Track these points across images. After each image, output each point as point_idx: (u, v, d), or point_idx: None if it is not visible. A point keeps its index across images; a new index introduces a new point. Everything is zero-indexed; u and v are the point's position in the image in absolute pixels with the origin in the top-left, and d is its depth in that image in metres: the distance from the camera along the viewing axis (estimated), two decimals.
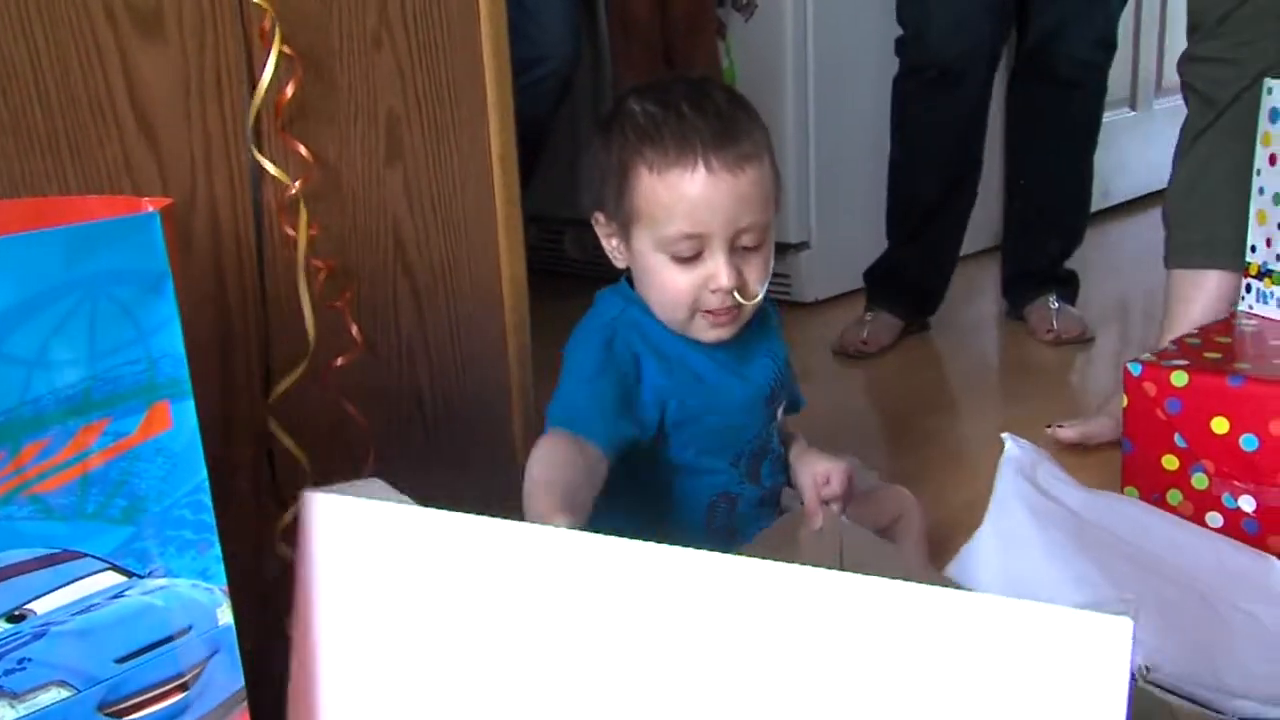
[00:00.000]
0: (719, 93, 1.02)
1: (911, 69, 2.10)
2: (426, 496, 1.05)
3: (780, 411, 1.15)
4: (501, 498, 1.11)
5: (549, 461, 0.92)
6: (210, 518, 0.63)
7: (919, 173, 2.16)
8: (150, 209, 0.65)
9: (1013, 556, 0.97)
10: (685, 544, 1.00)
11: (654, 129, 0.99)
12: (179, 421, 0.60)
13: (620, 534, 1.02)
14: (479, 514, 1.06)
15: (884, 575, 0.97)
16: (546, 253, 2.85)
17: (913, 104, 2.12)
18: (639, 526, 1.02)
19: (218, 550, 0.63)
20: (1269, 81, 1.40)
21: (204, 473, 0.62)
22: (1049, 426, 1.70)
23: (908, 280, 2.22)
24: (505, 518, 1.11)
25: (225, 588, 0.64)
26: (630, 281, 1.08)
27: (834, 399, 2.01)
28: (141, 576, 0.60)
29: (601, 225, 1.06)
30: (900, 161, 2.18)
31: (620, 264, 1.07)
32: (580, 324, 1.08)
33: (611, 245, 1.06)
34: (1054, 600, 0.93)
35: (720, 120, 0.99)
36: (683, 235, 0.98)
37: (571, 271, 2.80)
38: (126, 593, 0.60)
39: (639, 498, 1.05)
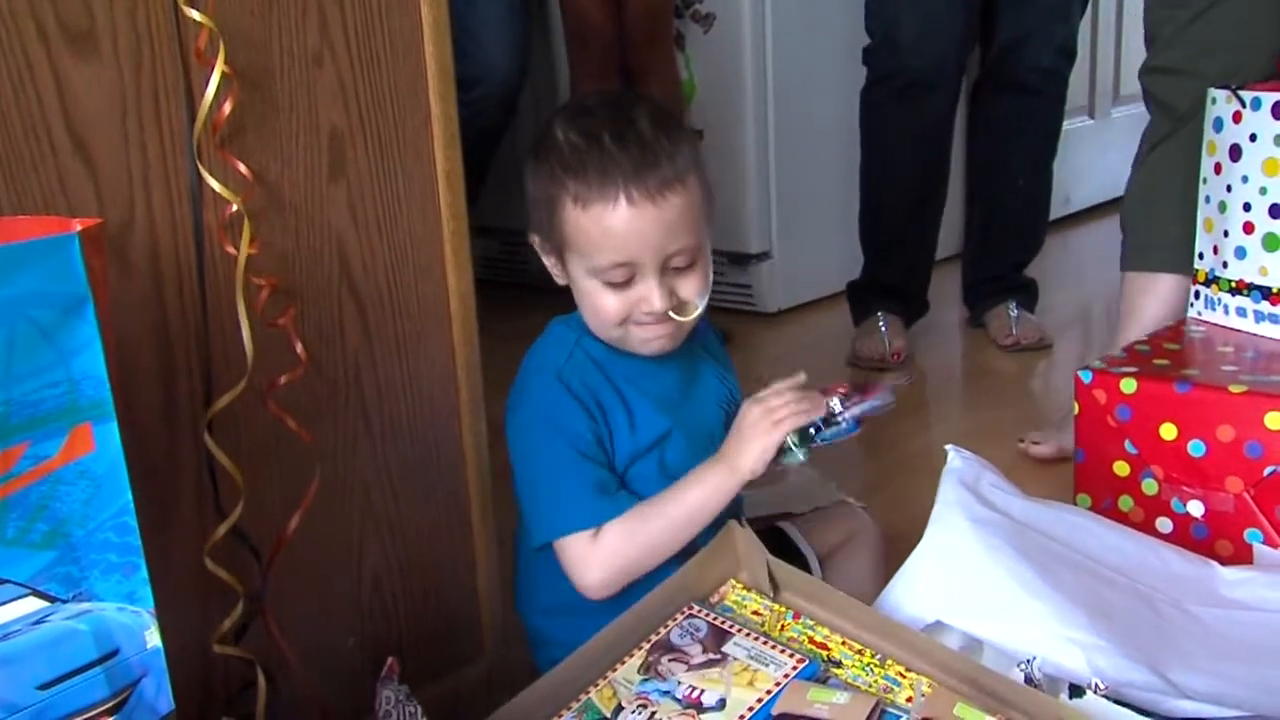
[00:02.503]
0: (642, 116, 1.02)
1: (880, 78, 2.11)
2: (376, 509, 1.05)
3: None
4: (448, 514, 1.11)
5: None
6: (136, 540, 0.62)
7: (893, 182, 2.17)
8: (79, 229, 0.64)
9: (954, 569, 0.97)
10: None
11: (577, 162, 1.00)
12: (102, 444, 0.60)
13: None
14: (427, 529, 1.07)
15: (818, 611, 0.97)
16: (509, 265, 2.85)
17: (883, 114, 2.13)
18: None
19: (144, 573, 0.63)
20: (1213, 91, 1.42)
21: (129, 495, 0.62)
22: (1021, 441, 1.70)
23: (893, 288, 2.23)
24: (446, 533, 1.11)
25: (153, 610, 0.63)
26: None
27: None
28: (65, 601, 0.60)
29: (539, 245, 1.08)
30: (873, 172, 2.19)
31: (561, 281, 1.09)
32: (529, 366, 1.09)
33: (549, 264, 1.08)
34: (994, 613, 0.94)
35: (641, 149, 0.99)
36: (612, 264, 1.00)
37: (535, 283, 2.80)
38: (49, 618, 0.59)
39: None
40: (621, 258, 1.00)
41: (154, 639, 0.63)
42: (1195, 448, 1.27)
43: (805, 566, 1.23)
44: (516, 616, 1.16)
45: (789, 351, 2.35)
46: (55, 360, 0.58)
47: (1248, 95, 1.37)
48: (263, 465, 0.96)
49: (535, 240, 1.08)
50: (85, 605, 0.61)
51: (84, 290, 0.58)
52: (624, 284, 1.01)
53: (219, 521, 0.92)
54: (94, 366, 0.59)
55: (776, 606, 1.01)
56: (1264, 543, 1.23)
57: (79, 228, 0.66)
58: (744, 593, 1.02)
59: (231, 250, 0.91)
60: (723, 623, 0.98)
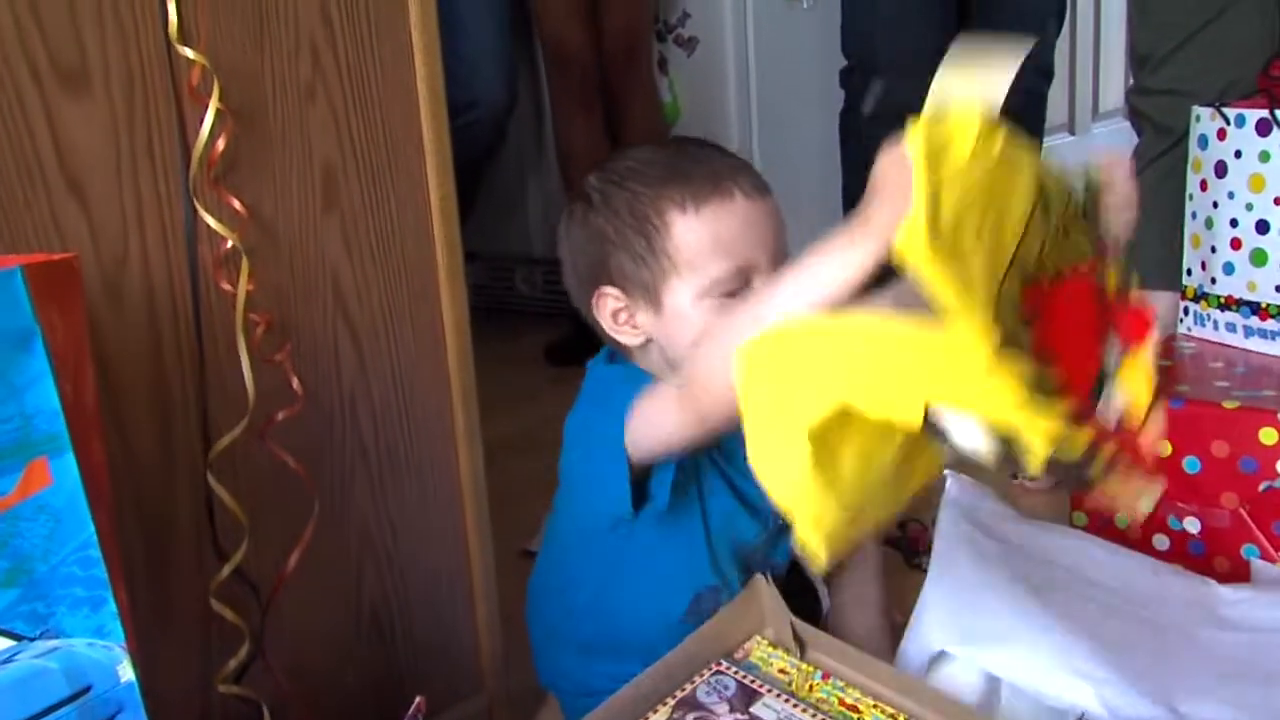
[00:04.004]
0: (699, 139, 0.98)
1: (858, 101, 2.11)
2: (374, 541, 1.04)
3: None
4: (445, 546, 1.10)
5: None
6: (102, 572, 0.62)
7: None
8: (21, 265, 0.64)
9: (960, 604, 0.97)
10: (660, 634, 0.98)
11: (673, 170, 0.93)
12: (60, 477, 0.60)
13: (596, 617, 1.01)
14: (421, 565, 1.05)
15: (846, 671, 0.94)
16: (496, 290, 2.84)
17: (862, 136, 2.13)
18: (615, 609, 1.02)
19: (113, 606, 0.62)
20: (1197, 109, 1.43)
21: (91, 528, 0.61)
22: (1014, 477, 1.69)
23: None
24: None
25: (124, 644, 0.63)
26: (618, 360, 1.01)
27: None
28: (32, 639, 0.59)
29: (611, 300, 0.96)
30: (855, 195, 2.19)
31: (635, 339, 0.97)
32: (594, 397, 0.99)
33: (620, 322, 0.97)
34: (1003, 651, 0.94)
35: (724, 154, 0.95)
36: (733, 269, 0.92)
37: (522, 308, 2.80)
38: (16, 657, 0.58)
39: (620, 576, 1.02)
40: (741, 260, 0.91)
41: (127, 673, 0.62)
42: (1190, 464, 1.27)
43: (811, 589, 1.23)
44: (523, 650, 1.15)
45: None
46: (5, 395, 0.57)
47: (1231, 112, 1.38)
48: (260, 501, 0.95)
49: (604, 294, 0.96)
50: (54, 642, 0.60)
51: (30, 324, 0.58)
52: (737, 295, 0.92)
53: (217, 560, 0.92)
54: (46, 400, 0.59)
55: (805, 666, 0.99)
56: (1261, 558, 1.23)
57: (20, 264, 0.66)
58: (770, 650, 1.01)
59: (227, 287, 0.90)
60: (751, 681, 0.96)
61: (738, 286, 0.92)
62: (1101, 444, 0.70)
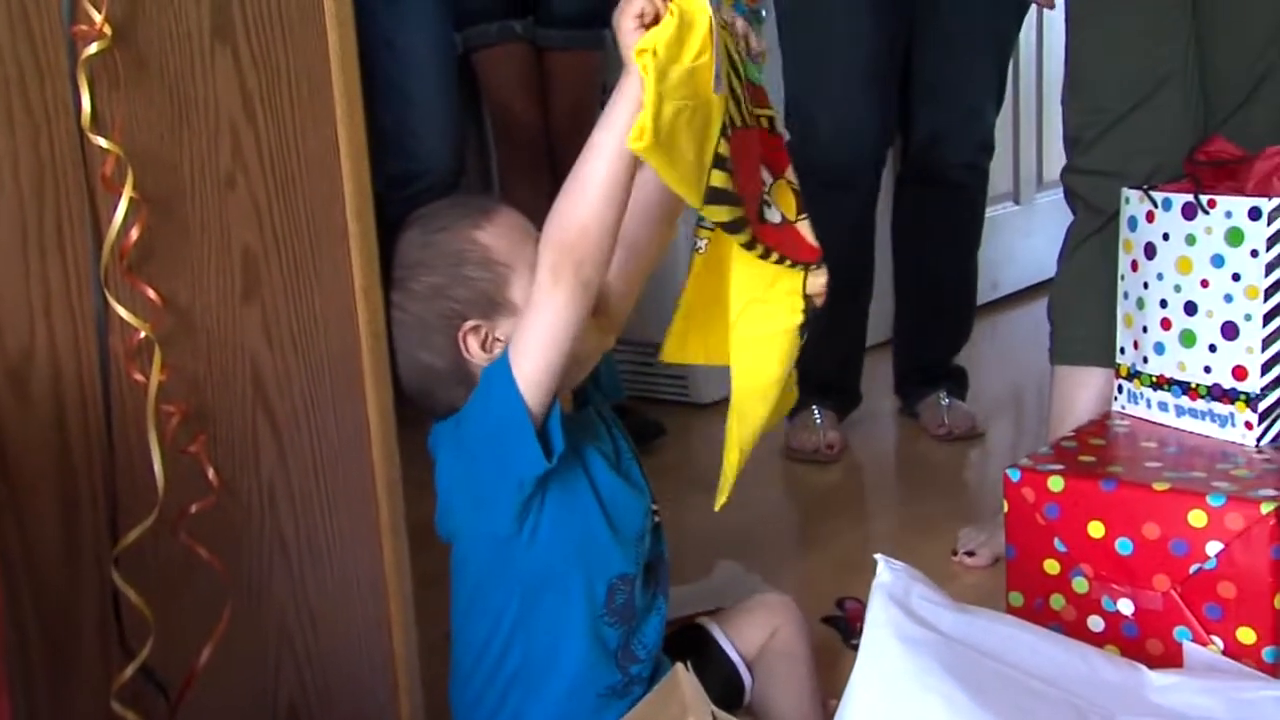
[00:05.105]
0: None
1: (800, 173, 2.12)
2: (293, 635, 1.02)
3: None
4: (368, 640, 1.08)
5: None
6: None
7: None
8: None
9: (888, 694, 0.96)
10: (588, 630, 1.06)
11: (446, 215, 1.10)
12: None
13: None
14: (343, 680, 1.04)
15: None
16: None
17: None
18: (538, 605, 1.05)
19: None
20: (1126, 191, 1.45)
21: None
22: (955, 553, 1.69)
23: (825, 379, 2.23)
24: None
25: None
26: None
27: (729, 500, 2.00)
28: None
29: (472, 333, 1.06)
30: None
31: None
32: (465, 422, 1.07)
33: (487, 347, 1.07)
34: None
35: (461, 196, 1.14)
36: None
37: None
38: None
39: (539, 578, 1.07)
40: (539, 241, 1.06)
41: None
42: (1123, 545, 1.27)
43: (733, 671, 1.22)
44: None
45: (724, 441, 2.34)
46: None
47: (1159, 196, 1.40)
48: (172, 597, 0.93)
49: (467, 331, 1.06)
50: None
51: None
52: None
53: (125, 658, 0.89)
54: None
55: None
56: (1193, 640, 1.23)
57: None
58: None
59: (139, 378, 0.89)
60: None
61: None
62: (758, 231, 1.06)
